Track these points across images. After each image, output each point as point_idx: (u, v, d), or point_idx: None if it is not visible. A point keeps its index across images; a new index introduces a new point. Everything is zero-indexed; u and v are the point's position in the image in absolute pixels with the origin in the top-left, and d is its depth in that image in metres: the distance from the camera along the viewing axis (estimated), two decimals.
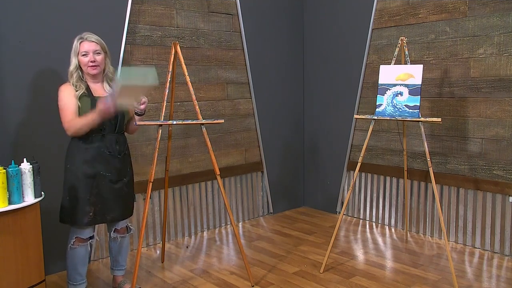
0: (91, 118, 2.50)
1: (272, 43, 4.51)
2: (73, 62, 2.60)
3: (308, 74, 4.78)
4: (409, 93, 3.10)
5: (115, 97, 2.43)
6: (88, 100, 2.58)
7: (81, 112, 2.55)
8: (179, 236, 3.98)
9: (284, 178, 4.76)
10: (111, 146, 2.65)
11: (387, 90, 3.20)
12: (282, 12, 4.58)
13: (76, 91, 2.57)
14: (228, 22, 4.15)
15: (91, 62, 2.59)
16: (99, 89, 2.68)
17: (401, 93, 3.14)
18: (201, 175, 4.05)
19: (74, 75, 2.60)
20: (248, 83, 4.35)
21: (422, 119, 3.04)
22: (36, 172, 2.42)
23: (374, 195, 4.30)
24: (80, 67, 2.61)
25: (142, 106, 2.69)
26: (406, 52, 3.30)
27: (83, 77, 2.63)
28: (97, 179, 2.61)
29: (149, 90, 2.57)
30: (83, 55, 2.58)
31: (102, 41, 2.65)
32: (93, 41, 2.60)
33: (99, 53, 2.62)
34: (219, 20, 4.08)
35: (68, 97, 2.56)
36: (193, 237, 4.02)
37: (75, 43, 2.60)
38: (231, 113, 4.24)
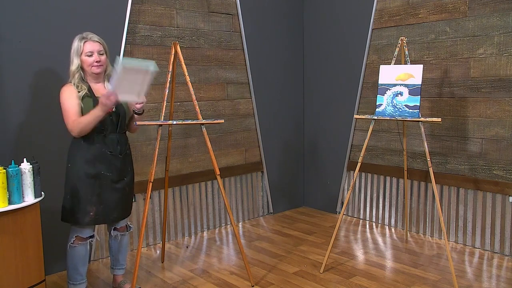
0: (94, 114, 2.49)
1: (272, 43, 4.51)
2: (75, 62, 2.57)
3: (308, 74, 4.78)
4: (409, 93, 3.10)
5: (116, 84, 2.40)
6: (90, 100, 2.57)
7: (84, 113, 2.54)
8: (179, 236, 3.98)
9: (284, 178, 4.76)
10: (113, 146, 2.65)
11: (387, 90, 3.20)
12: (282, 12, 4.57)
13: (79, 92, 2.56)
14: (228, 22, 4.15)
15: (96, 62, 2.57)
16: (101, 89, 2.66)
17: (401, 93, 3.14)
18: (201, 175, 4.05)
19: (76, 76, 2.57)
20: (248, 83, 4.35)
21: (422, 119, 3.04)
22: (36, 172, 2.42)
23: (374, 195, 4.30)
24: (82, 68, 2.59)
25: (139, 106, 2.68)
26: (406, 52, 3.30)
27: (84, 77, 2.62)
28: (99, 179, 2.61)
29: (148, 83, 2.53)
30: (88, 55, 2.56)
31: (103, 41, 2.65)
32: (97, 41, 2.60)
33: (103, 53, 2.62)
34: (219, 20, 4.08)
35: (70, 99, 2.54)
36: (193, 237, 4.02)
37: (77, 43, 2.57)
38: (231, 113, 4.24)
